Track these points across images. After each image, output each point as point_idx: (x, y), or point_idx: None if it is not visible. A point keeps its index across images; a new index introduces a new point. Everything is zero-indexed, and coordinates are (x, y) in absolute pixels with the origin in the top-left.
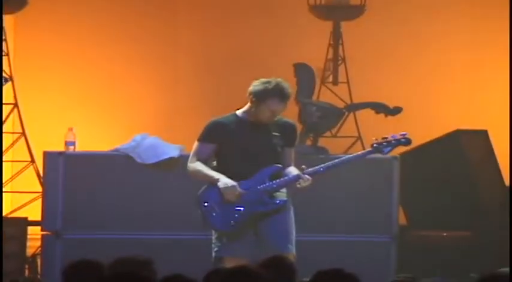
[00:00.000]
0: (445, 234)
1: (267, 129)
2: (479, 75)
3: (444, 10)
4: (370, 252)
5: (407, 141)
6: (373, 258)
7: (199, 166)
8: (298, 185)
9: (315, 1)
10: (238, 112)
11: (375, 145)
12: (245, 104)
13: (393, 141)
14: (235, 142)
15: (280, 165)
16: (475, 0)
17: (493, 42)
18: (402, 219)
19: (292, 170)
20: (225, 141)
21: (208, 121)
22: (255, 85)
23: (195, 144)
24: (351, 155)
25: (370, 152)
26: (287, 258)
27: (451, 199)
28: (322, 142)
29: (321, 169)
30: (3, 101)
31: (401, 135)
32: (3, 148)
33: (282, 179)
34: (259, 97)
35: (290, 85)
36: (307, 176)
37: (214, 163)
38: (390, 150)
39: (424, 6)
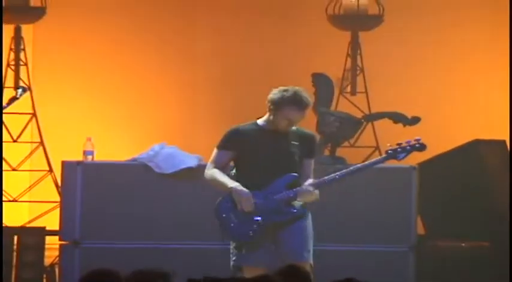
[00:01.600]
0: (463, 244)
1: (286, 138)
2: (497, 85)
3: (463, 19)
4: (388, 262)
5: (422, 147)
6: (391, 268)
7: (215, 173)
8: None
9: (333, 11)
10: (259, 121)
11: (389, 151)
12: (264, 114)
13: (408, 147)
14: (253, 150)
15: (296, 174)
16: (494, 7)
17: None
18: (420, 229)
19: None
20: (242, 149)
21: (228, 128)
22: (274, 93)
23: (214, 151)
24: (366, 162)
25: (384, 159)
26: (303, 267)
27: (470, 209)
28: (340, 152)
29: (337, 176)
30: (22, 111)
31: (415, 140)
32: (21, 158)
33: (299, 188)
34: (277, 105)
35: (309, 94)
36: (310, 188)
37: (234, 171)
38: (405, 156)
39: (441, 15)
